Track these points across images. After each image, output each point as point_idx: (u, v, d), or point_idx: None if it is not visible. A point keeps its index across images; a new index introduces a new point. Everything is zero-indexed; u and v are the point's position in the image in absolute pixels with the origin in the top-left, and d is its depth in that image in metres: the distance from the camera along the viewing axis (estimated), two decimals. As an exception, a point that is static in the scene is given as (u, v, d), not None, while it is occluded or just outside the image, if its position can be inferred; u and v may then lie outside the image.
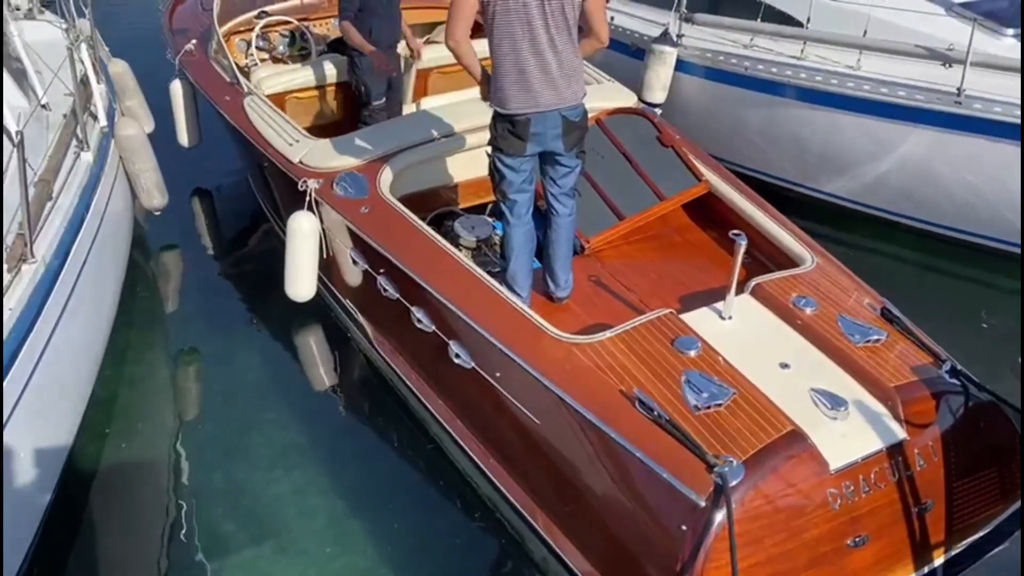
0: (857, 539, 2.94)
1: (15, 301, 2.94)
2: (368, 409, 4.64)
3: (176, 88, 6.24)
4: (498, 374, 3.50)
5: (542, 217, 4.08)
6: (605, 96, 5.26)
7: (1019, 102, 4.81)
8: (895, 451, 3.01)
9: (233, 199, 6.74)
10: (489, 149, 3.81)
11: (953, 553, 3.16)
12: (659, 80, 6.17)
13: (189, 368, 5.04)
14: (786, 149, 5.93)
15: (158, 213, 5.36)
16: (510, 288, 3.87)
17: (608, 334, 3.35)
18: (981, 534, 3.23)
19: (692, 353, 3.23)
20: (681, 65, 6.20)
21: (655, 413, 2.97)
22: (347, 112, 6.01)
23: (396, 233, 4.09)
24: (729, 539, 2.66)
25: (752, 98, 5.88)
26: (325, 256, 4.62)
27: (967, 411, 3.19)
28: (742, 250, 3.36)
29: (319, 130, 5.48)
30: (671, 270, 4.33)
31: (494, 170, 3.82)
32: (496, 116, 3.70)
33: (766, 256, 4.17)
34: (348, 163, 4.54)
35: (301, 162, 4.64)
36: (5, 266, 3.04)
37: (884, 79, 5.30)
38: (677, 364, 3.19)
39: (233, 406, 4.60)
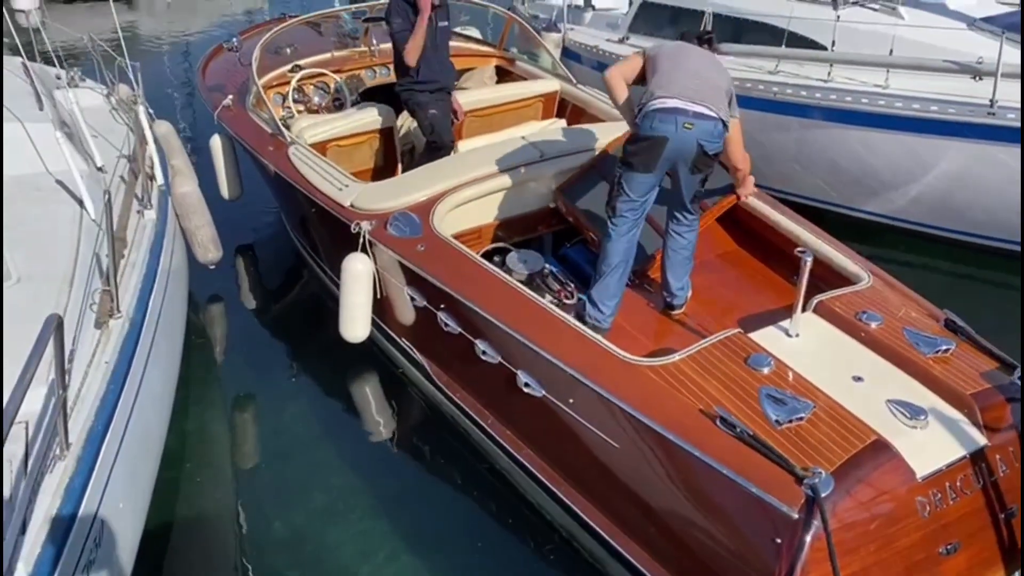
0: (949, 546, 2.95)
1: (108, 354, 3.02)
2: (427, 447, 4.66)
3: (216, 143, 6.40)
4: (571, 400, 3.54)
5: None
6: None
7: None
8: (978, 457, 3.04)
9: (276, 248, 6.86)
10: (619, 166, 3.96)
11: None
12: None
13: (245, 417, 5.09)
14: (820, 171, 6.01)
15: (213, 267, 5.46)
16: (593, 305, 3.96)
17: (680, 355, 3.40)
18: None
19: (766, 370, 3.28)
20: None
21: (738, 430, 3.00)
22: (386, 157, 6.14)
23: (455, 268, 4.17)
24: (828, 548, 2.68)
25: (783, 122, 5.98)
26: (378, 297, 4.70)
27: (1043, 415, 3.22)
28: (808, 267, 3.43)
29: (360, 175, 5.60)
30: (725, 294, 4.39)
31: (616, 184, 3.96)
32: (634, 135, 3.86)
33: (820, 276, 4.23)
34: (399, 204, 4.64)
35: (352, 205, 4.74)
36: (95, 321, 3.14)
37: (916, 95, 5.41)
38: (752, 381, 3.23)
39: (290, 453, 4.65)
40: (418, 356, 4.69)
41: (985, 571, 3.05)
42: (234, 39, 7.30)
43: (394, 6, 5.49)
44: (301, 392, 5.17)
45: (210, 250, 5.22)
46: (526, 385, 3.73)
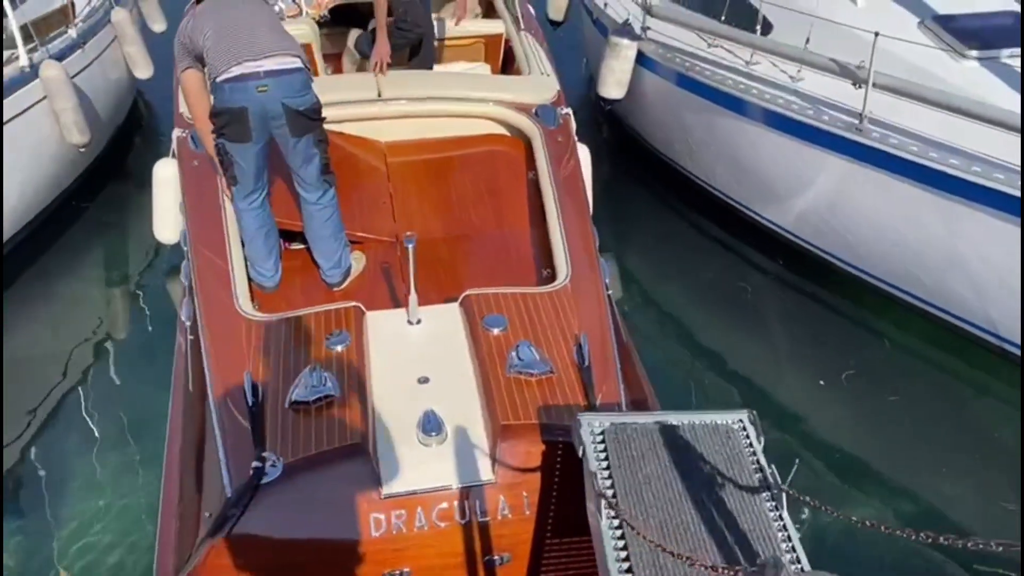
0: (396, 572, 2.73)
1: None
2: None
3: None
4: (191, 337, 3.58)
5: None
6: (518, 89, 4.98)
7: (926, 135, 4.04)
8: (472, 492, 2.74)
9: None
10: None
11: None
12: (613, 75, 5.72)
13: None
14: (726, 165, 5.33)
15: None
16: (252, 267, 3.80)
17: (278, 316, 3.32)
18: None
19: (338, 348, 3.13)
20: (643, 60, 5.73)
21: (250, 402, 2.94)
22: None
23: (202, 190, 4.22)
24: (228, 532, 2.60)
25: (704, 107, 5.30)
26: None
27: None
28: (411, 253, 3.19)
29: None
30: (479, 268, 4.11)
31: (221, 152, 3.65)
32: (214, 108, 3.59)
33: (541, 263, 3.91)
34: None
35: (182, 112, 4.88)
36: None
37: (811, 95, 4.62)
38: (313, 356, 3.10)
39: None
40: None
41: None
42: None
43: None
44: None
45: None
46: (184, 315, 3.79)
